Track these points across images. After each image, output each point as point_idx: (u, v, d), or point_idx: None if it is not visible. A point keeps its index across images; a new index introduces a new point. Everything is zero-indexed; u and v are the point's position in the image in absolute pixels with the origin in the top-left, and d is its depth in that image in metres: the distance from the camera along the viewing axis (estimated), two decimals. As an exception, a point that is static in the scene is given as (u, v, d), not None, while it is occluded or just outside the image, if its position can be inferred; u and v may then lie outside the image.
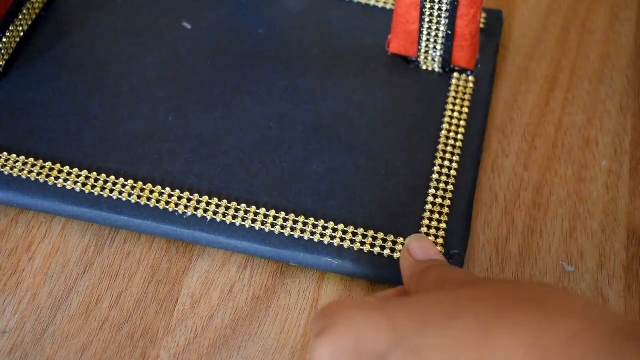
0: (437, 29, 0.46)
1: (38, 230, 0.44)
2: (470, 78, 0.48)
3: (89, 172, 0.44)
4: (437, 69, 0.48)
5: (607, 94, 0.50)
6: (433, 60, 0.48)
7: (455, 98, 0.47)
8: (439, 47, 0.47)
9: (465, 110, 0.47)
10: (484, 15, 0.51)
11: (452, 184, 0.44)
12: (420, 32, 0.47)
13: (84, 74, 0.49)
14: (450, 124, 0.46)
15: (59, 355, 0.40)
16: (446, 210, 0.43)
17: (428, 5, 0.45)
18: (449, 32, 0.46)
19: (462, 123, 0.46)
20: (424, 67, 0.49)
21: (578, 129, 0.48)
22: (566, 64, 0.51)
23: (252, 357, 0.40)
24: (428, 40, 0.47)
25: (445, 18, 0.46)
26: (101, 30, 0.51)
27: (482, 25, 0.50)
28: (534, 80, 0.51)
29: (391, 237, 0.42)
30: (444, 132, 0.46)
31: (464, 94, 0.48)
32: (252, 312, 0.42)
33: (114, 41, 0.50)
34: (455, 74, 0.48)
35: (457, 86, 0.48)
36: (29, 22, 0.50)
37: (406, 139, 0.46)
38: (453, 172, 0.45)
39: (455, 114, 0.47)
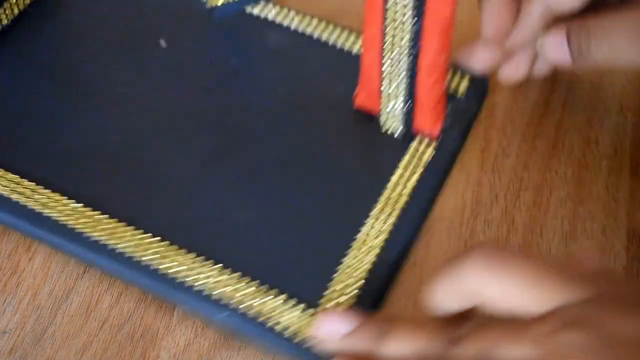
0: (397, 92, 0.45)
1: (38, 230, 0.44)
2: (432, 145, 0.45)
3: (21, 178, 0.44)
4: (398, 131, 0.46)
5: (607, 94, 0.50)
6: (394, 121, 0.46)
7: (409, 163, 0.45)
8: (398, 109, 0.45)
9: (415, 177, 0.44)
10: (467, 81, 0.48)
11: (377, 253, 0.42)
12: (382, 92, 0.45)
13: (51, 78, 0.48)
14: (394, 190, 0.44)
15: (59, 355, 0.40)
16: (361, 273, 0.41)
17: (387, 69, 0.44)
18: (409, 97, 0.44)
19: (406, 190, 0.44)
20: (385, 127, 0.46)
21: (578, 129, 0.48)
22: (566, 64, 0.51)
23: (252, 357, 0.40)
24: (388, 100, 0.45)
25: (405, 82, 0.44)
26: (78, 37, 0.51)
27: (464, 90, 0.48)
28: (533, 80, 0.50)
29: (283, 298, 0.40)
30: (383, 197, 0.44)
31: (420, 159, 0.45)
32: (252, 312, 0.42)
33: (88, 47, 0.50)
34: (417, 139, 0.46)
35: (416, 150, 0.45)
36: (11, 18, 0.50)
37: (345, 198, 0.44)
38: (379, 242, 0.42)
39: (402, 180, 0.44)
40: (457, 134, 0.46)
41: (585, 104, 0.50)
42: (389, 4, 0.40)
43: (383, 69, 0.44)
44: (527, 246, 0.44)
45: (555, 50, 0.42)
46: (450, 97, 0.46)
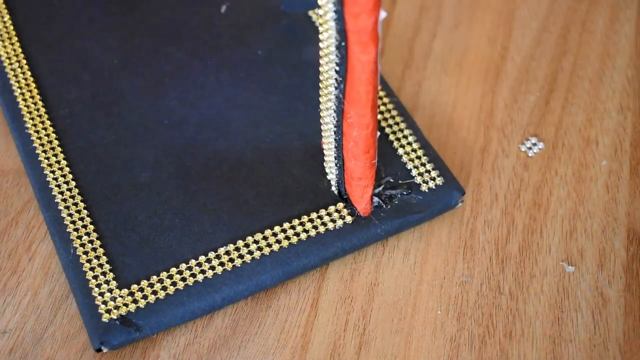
0: (330, 171, 0.44)
1: (38, 230, 0.44)
2: (349, 217, 0.44)
3: None
4: (334, 190, 0.45)
5: (607, 94, 0.50)
6: (331, 180, 0.45)
7: (321, 217, 0.44)
8: (333, 183, 0.45)
9: (312, 232, 0.43)
10: (440, 179, 0.45)
11: None
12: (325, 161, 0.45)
13: None
14: (292, 228, 0.43)
15: (59, 355, 0.40)
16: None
17: (325, 146, 0.43)
18: (340, 182, 0.44)
19: (292, 240, 0.43)
20: (329, 179, 0.45)
21: (578, 129, 0.48)
22: (566, 64, 0.51)
23: (252, 357, 0.40)
24: (329, 156, 0.43)
25: (335, 169, 0.43)
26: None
27: (432, 185, 0.45)
28: (534, 80, 0.51)
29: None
30: (277, 227, 0.44)
31: (334, 223, 0.44)
32: (252, 312, 0.42)
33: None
34: (341, 204, 0.44)
35: (337, 211, 0.44)
36: None
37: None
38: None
39: (307, 225, 0.43)
40: (390, 225, 0.44)
41: (585, 104, 0.50)
42: (322, 94, 0.39)
43: (324, 145, 0.43)
44: (526, 246, 0.44)
45: None
46: (414, 185, 0.45)
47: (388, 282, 0.43)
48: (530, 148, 0.47)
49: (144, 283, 0.41)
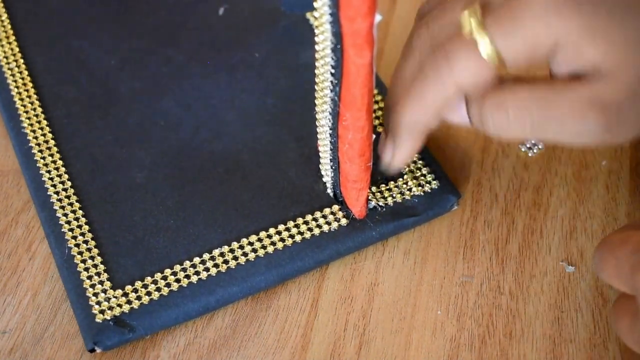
0: (326, 174, 0.44)
1: (38, 230, 0.44)
2: (344, 220, 0.43)
3: None
4: (330, 192, 0.45)
5: (607, 94, 0.50)
6: (327, 182, 0.45)
7: (316, 220, 0.44)
8: (329, 185, 0.45)
9: (307, 235, 0.43)
10: (436, 182, 0.45)
11: None
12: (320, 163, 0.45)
13: None
14: (287, 231, 0.43)
15: (59, 355, 0.40)
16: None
17: (321, 148, 0.43)
18: (335, 184, 0.44)
19: (287, 242, 0.43)
20: (324, 182, 0.45)
21: (578, 128, 0.48)
22: (566, 64, 0.51)
23: (252, 357, 0.41)
24: (324, 158, 0.43)
25: (330, 171, 0.43)
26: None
27: (428, 189, 0.45)
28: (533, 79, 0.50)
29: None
30: (272, 229, 0.43)
31: (329, 225, 0.43)
32: (252, 312, 0.42)
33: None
34: (336, 206, 0.44)
35: (332, 214, 0.44)
36: None
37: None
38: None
39: (302, 227, 0.43)
40: (390, 228, 0.44)
41: (585, 104, 0.49)
42: (317, 97, 0.39)
43: (319, 148, 0.43)
44: (526, 246, 0.44)
45: (455, 113, 0.40)
46: (417, 185, 0.45)
47: (388, 282, 0.43)
48: (530, 148, 0.47)
49: (138, 284, 0.41)
